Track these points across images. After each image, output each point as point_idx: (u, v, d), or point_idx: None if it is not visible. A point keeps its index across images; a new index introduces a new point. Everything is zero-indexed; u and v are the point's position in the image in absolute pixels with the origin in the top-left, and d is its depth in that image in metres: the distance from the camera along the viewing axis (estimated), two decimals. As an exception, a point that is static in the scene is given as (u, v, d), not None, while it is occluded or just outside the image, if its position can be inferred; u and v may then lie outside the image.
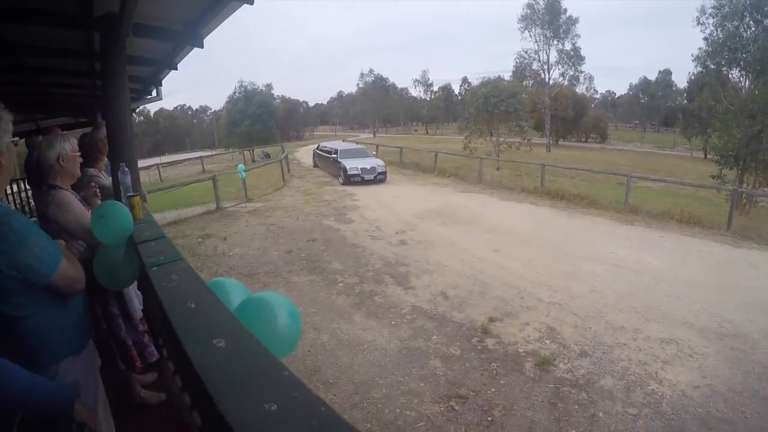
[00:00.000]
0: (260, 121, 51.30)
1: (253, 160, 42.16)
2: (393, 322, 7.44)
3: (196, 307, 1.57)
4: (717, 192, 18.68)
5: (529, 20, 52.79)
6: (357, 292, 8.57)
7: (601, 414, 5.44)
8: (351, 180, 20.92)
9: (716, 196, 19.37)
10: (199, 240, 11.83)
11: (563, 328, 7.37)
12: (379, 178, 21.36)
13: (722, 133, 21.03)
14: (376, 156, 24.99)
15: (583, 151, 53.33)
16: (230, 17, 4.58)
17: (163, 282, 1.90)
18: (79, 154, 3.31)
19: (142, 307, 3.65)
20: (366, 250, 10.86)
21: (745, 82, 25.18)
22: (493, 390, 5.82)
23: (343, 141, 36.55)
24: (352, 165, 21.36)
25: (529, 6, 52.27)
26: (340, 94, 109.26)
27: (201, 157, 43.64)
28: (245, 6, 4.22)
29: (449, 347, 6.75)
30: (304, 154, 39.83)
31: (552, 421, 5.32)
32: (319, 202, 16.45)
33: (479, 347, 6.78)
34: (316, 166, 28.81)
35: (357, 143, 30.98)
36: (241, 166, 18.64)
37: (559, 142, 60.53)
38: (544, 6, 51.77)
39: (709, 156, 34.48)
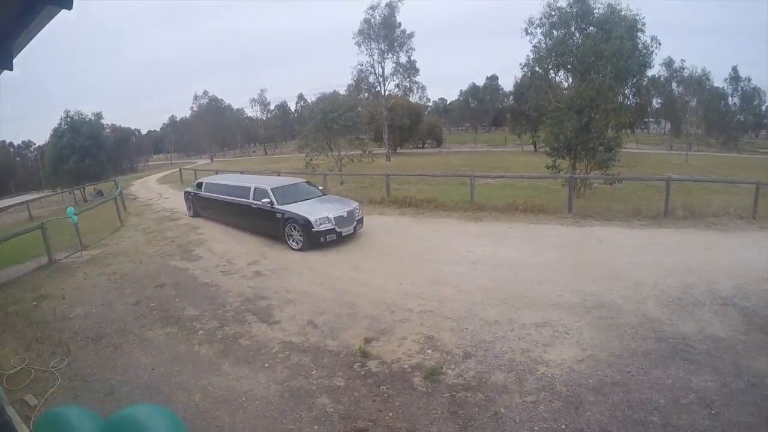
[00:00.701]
0: (90, 155, 45.86)
1: (86, 200, 38.16)
2: (266, 365, 6.69)
3: None
4: (554, 180, 20.26)
5: (365, 35, 53.73)
6: (220, 338, 7.61)
7: (502, 410, 5.35)
8: (322, 240, 12.41)
9: (553, 184, 21.10)
10: (34, 303, 9.96)
11: (441, 335, 7.17)
12: (359, 229, 13.57)
13: (553, 128, 22.80)
14: (323, 190, 15.97)
15: (421, 156, 55.23)
16: (46, 33, 3.70)
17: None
18: None
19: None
20: (220, 289, 9.84)
21: (570, 81, 27.82)
22: (391, 414, 5.44)
23: (217, 172, 27.87)
24: (318, 215, 12.57)
25: (366, 21, 53.06)
26: (172, 119, 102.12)
27: (27, 202, 38.19)
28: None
29: (332, 379, 6.22)
30: (140, 187, 36.89)
31: (458, 430, 5.10)
32: (162, 240, 14.62)
33: (363, 372, 6.33)
34: (196, 215, 18.08)
35: (219, 171, 22.97)
36: (70, 209, 15.95)
37: (398, 150, 62.50)
38: (380, 21, 52.80)
39: (539, 149, 37.42)
